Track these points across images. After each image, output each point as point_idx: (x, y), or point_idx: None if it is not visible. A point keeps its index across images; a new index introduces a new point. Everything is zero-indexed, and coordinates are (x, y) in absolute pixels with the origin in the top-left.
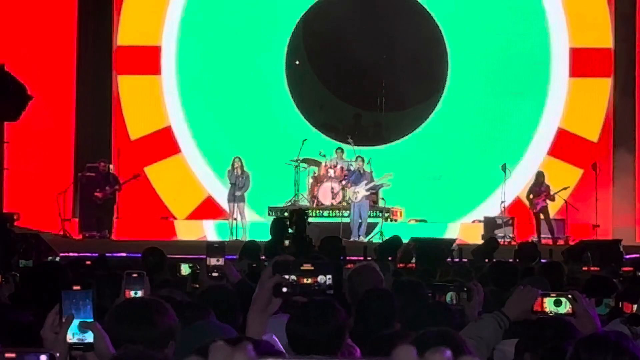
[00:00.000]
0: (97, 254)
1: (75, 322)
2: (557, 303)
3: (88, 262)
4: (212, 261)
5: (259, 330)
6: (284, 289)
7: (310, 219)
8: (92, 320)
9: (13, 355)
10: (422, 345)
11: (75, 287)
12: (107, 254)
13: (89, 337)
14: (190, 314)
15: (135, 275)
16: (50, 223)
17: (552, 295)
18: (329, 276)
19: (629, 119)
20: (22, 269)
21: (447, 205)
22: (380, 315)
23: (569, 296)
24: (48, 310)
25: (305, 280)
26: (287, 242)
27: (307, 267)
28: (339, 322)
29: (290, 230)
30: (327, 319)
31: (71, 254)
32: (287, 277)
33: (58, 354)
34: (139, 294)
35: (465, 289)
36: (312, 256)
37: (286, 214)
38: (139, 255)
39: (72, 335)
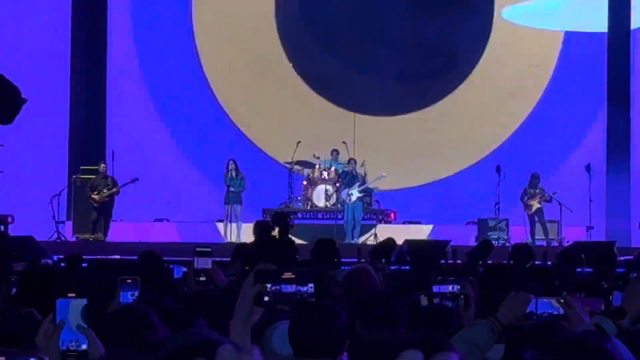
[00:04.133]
0: (91, 257)
1: (69, 329)
2: (550, 306)
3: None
4: (200, 265)
5: (241, 339)
6: (266, 298)
7: (296, 221)
8: (86, 327)
9: (3, 359)
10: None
11: (70, 295)
12: (102, 257)
13: (83, 345)
14: (179, 320)
15: (129, 280)
16: (44, 226)
17: (545, 299)
18: (310, 285)
19: (623, 120)
20: (16, 272)
21: (441, 207)
22: (384, 318)
23: (562, 300)
24: (42, 314)
25: (286, 289)
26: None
27: (288, 275)
28: (342, 325)
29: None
30: (332, 322)
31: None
32: (268, 286)
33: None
34: (134, 299)
35: (462, 296)
36: (298, 261)
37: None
38: (134, 257)
39: (66, 343)
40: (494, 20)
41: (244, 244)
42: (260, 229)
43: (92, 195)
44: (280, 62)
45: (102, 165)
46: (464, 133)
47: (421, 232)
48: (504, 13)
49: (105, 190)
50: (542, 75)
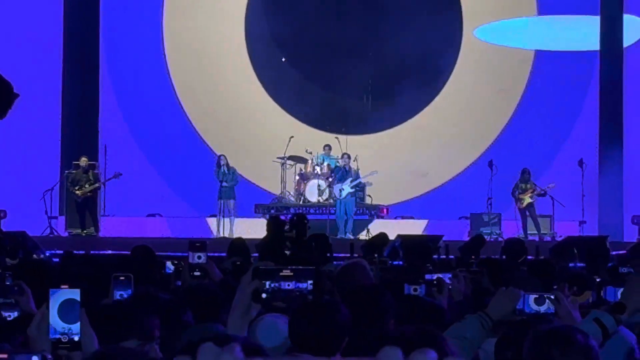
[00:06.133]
0: (83, 252)
1: (62, 320)
2: (540, 302)
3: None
4: (194, 260)
5: (239, 334)
6: (263, 295)
7: (289, 217)
8: (78, 321)
9: (5, 356)
10: (402, 345)
11: (63, 286)
12: (94, 252)
13: (76, 335)
14: (168, 313)
15: (122, 278)
16: (37, 221)
17: (534, 295)
18: (309, 282)
19: (615, 114)
20: (10, 267)
21: (433, 202)
22: (371, 312)
23: (552, 297)
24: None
25: (285, 286)
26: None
27: (286, 273)
28: (343, 321)
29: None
30: (333, 318)
31: (58, 252)
32: (266, 282)
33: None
34: (127, 296)
35: (434, 281)
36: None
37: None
38: (127, 252)
39: (58, 333)
40: (464, 33)
41: (240, 239)
42: (274, 225)
43: (75, 191)
44: (252, 85)
45: (84, 159)
46: (450, 140)
47: (417, 227)
48: (477, 32)
49: (87, 185)
50: (522, 71)
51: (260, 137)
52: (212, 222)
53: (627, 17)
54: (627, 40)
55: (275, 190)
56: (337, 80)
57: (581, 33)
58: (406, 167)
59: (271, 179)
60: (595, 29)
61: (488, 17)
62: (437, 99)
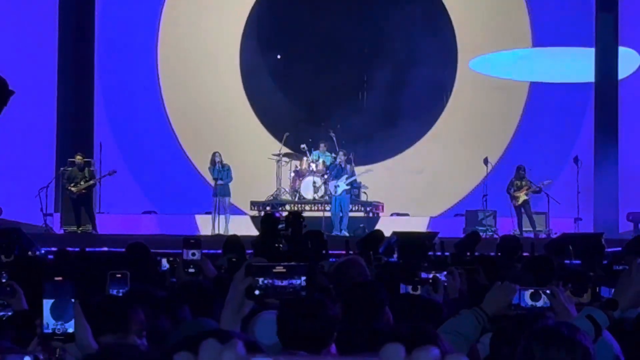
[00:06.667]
0: (78, 249)
1: (56, 312)
2: (535, 297)
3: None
4: (188, 256)
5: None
6: (257, 292)
7: (284, 213)
8: (72, 320)
9: None
10: (397, 341)
11: (57, 278)
12: (89, 249)
13: (70, 327)
14: (165, 309)
15: (119, 275)
16: (32, 218)
17: (530, 290)
18: (303, 278)
19: (610, 111)
20: (5, 264)
21: (429, 199)
22: (368, 307)
23: (547, 291)
24: (30, 306)
25: (278, 283)
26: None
27: (279, 269)
28: (330, 317)
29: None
30: (320, 314)
31: (53, 249)
32: (259, 279)
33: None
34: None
35: (430, 280)
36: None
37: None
38: (122, 249)
39: (52, 326)
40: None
41: (234, 236)
42: (268, 222)
43: (70, 188)
44: (245, 113)
45: (79, 156)
46: (455, 163)
47: (420, 224)
48: (471, 64)
49: (82, 183)
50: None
51: (245, 155)
52: (199, 219)
53: (622, 50)
54: (622, 72)
55: (271, 187)
56: (334, 79)
57: (576, 65)
58: (403, 168)
59: (267, 176)
60: (590, 61)
61: (483, 49)
62: (435, 125)
